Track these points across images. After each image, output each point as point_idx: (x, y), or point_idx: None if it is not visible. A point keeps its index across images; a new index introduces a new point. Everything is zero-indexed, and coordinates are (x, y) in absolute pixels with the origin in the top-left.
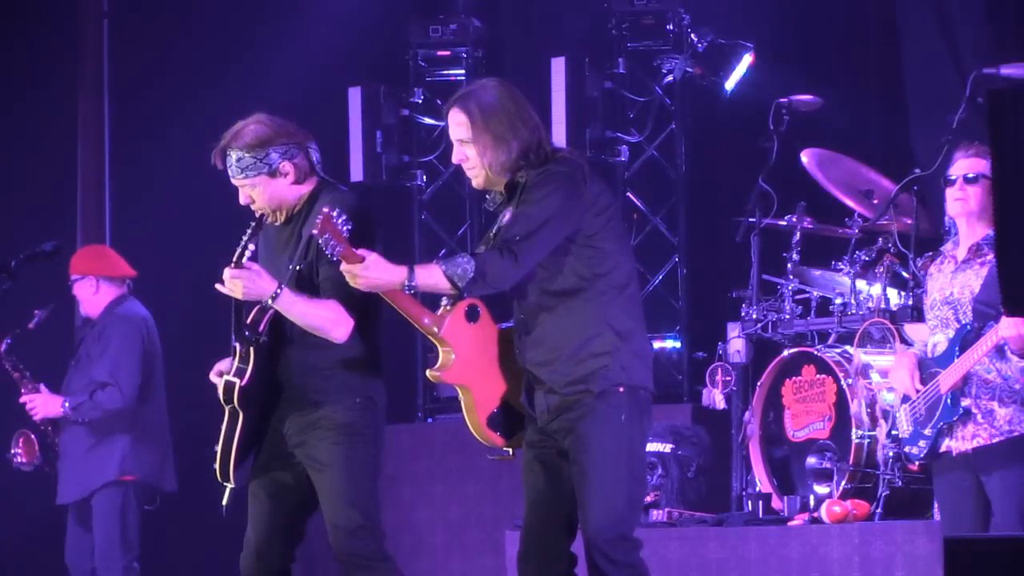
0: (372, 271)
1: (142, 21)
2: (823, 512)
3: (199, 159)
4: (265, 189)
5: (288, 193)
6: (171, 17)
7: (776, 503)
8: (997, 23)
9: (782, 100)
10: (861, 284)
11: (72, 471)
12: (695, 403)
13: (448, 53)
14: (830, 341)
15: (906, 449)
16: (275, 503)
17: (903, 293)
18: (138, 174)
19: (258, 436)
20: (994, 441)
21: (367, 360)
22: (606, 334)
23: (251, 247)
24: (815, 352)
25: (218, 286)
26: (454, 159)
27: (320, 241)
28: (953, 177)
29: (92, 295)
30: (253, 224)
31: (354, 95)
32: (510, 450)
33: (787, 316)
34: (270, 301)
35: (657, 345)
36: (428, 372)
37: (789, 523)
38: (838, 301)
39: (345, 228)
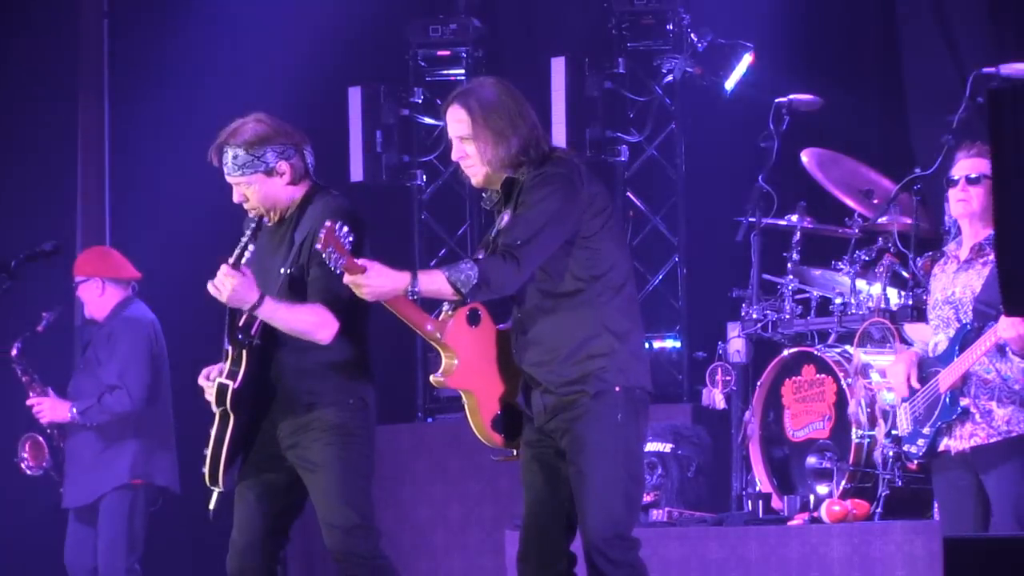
0: (375, 280)
1: (142, 21)
2: (823, 512)
3: (199, 159)
4: (260, 188)
5: (282, 193)
6: (171, 17)
7: (776, 503)
8: (997, 23)
9: (782, 100)
10: (861, 284)
11: (80, 476)
12: (695, 403)
13: (448, 53)
14: (830, 341)
15: (905, 448)
16: (262, 505)
17: (903, 293)
18: (138, 175)
19: (248, 440)
20: (992, 441)
21: (357, 361)
22: (603, 335)
23: (252, 247)
24: (815, 352)
25: (209, 284)
26: (454, 156)
27: (324, 255)
28: (956, 177)
29: (97, 297)
30: (254, 226)
31: (354, 95)
32: (514, 451)
33: (787, 316)
34: (252, 309)
35: (657, 345)
36: (432, 378)
37: (789, 523)
38: (838, 301)
39: (347, 240)
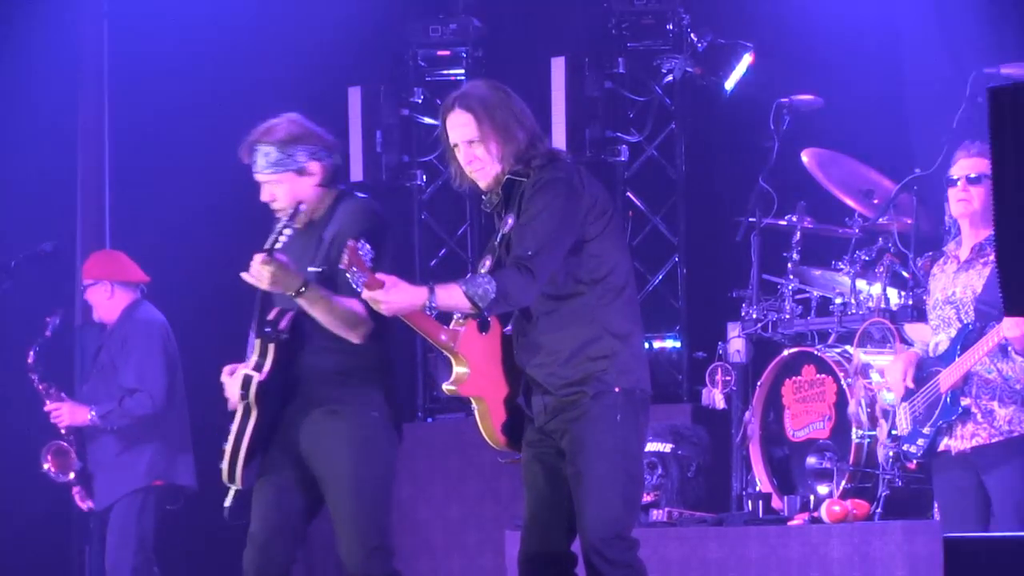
0: (393, 295)
1: (142, 21)
2: (823, 512)
3: (199, 159)
4: (290, 187)
5: (312, 194)
6: (171, 17)
7: (776, 503)
8: (997, 23)
9: (783, 100)
10: (861, 284)
11: (101, 480)
12: (695, 403)
13: (448, 53)
14: (830, 341)
15: (904, 447)
16: (282, 503)
17: (903, 293)
18: (138, 174)
19: (267, 437)
20: (993, 441)
21: (382, 366)
22: (604, 338)
23: (287, 232)
24: (815, 352)
25: (244, 275)
26: (464, 162)
27: (348, 275)
28: (955, 177)
29: (106, 300)
30: (290, 212)
31: (354, 95)
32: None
33: (787, 316)
34: (294, 296)
35: (657, 345)
36: (444, 386)
37: (789, 523)
38: (838, 301)
39: (368, 257)
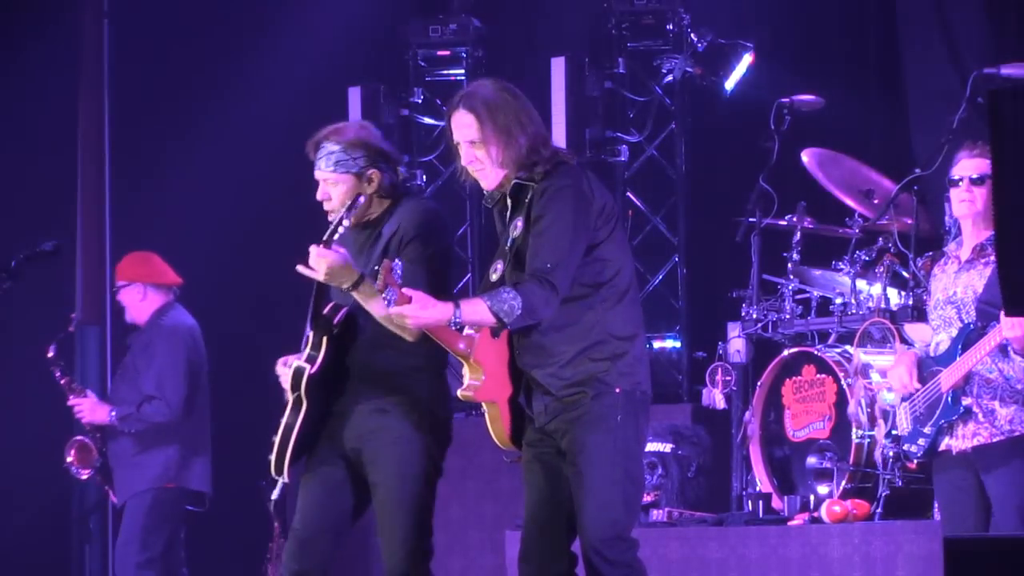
0: (420, 310)
1: (142, 21)
2: (823, 512)
3: (199, 159)
4: (346, 189)
5: (366, 202)
6: (171, 17)
7: (776, 503)
8: (997, 23)
9: (784, 100)
10: (861, 284)
11: (119, 475)
12: (695, 403)
13: (448, 53)
14: (830, 341)
15: (904, 447)
16: (327, 502)
17: (903, 293)
18: (138, 174)
19: (316, 431)
20: (995, 440)
21: (432, 366)
22: (606, 341)
23: (346, 223)
24: (815, 352)
25: (300, 267)
26: (464, 161)
27: (383, 296)
28: (957, 178)
29: (139, 301)
30: (349, 203)
31: (354, 95)
32: None
33: (787, 316)
34: (350, 288)
35: (657, 345)
36: (459, 392)
37: (789, 523)
38: (838, 301)
39: (398, 274)
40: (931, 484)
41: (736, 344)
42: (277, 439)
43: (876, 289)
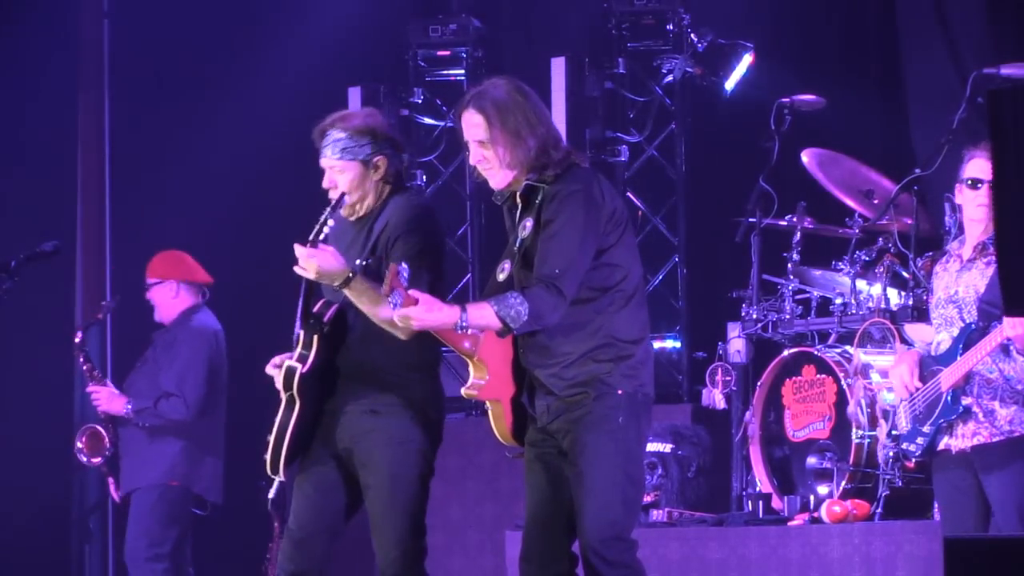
0: (426, 313)
1: (142, 21)
2: (823, 512)
3: (199, 158)
4: (353, 177)
5: (372, 188)
6: (171, 17)
7: (776, 503)
8: (997, 23)
9: (784, 100)
10: (861, 284)
11: (126, 465)
12: (695, 403)
13: (448, 53)
14: (830, 341)
15: (903, 445)
16: (321, 501)
17: (903, 293)
18: (138, 174)
19: (311, 430)
20: (994, 440)
21: (424, 364)
22: (610, 344)
23: (331, 223)
24: (815, 352)
25: (296, 268)
26: (472, 161)
27: (389, 299)
28: (974, 180)
29: (171, 299)
30: (333, 202)
31: (354, 95)
32: None
33: (787, 316)
34: (340, 286)
35: (657, 345)
36: (464, 391)
37: (789, 523)
38: (838, 301)
39: (404, 277)
40: (931, 484)
41: (736, 344)
42: (272, 439)
43: (876, 289)
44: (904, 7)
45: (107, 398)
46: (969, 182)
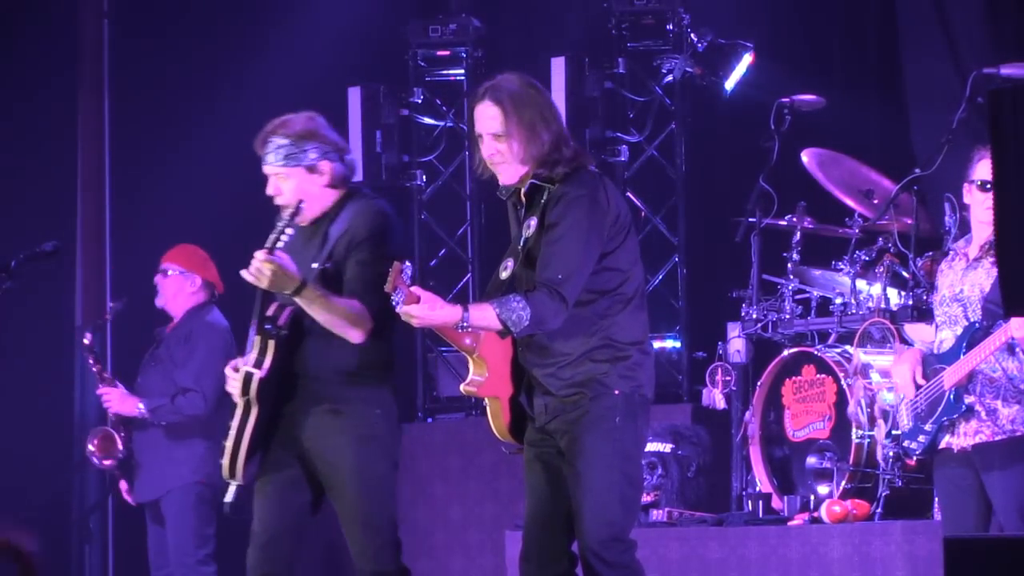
0: (429, 312)
1: (142, 21)
2: (823, 512)
3: (199, 159)
4: (298, 183)
5: (318, 194)
6: (171, 17)
7: (776, 503)
8: (997, 23)
9: (784, 100)
10: (861, 284)
11: (148, 472)
12: (695, 403)
13: (448, 53)
14: (830, 341)
15: (904, 443)
16: (284, 500)
17: (903, 293)
18: (138, 174)
19: (267, 433)
20: (996, 439)
21: (384, 366)
22: (607, 345)
23: (289, 231)
24: (815, 352)
25: (243, 273)
26: (485, 154)
27: (393, 298)
28: (980, 180)
29: (189, 292)
30: (292, 211)
31: (354, 95)
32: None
33: (787, 316)
34: (292, 294)
35: (657, 345)
36: (462, 387)
37: (789, 523)
38: (838, 301)
39: (408, 275)
40: (931, 484)
41: (736, 344)
42: (229, 444)
43: (876, 289)
44: (904, 7)
45: (119, 400)
46: (979, 183)
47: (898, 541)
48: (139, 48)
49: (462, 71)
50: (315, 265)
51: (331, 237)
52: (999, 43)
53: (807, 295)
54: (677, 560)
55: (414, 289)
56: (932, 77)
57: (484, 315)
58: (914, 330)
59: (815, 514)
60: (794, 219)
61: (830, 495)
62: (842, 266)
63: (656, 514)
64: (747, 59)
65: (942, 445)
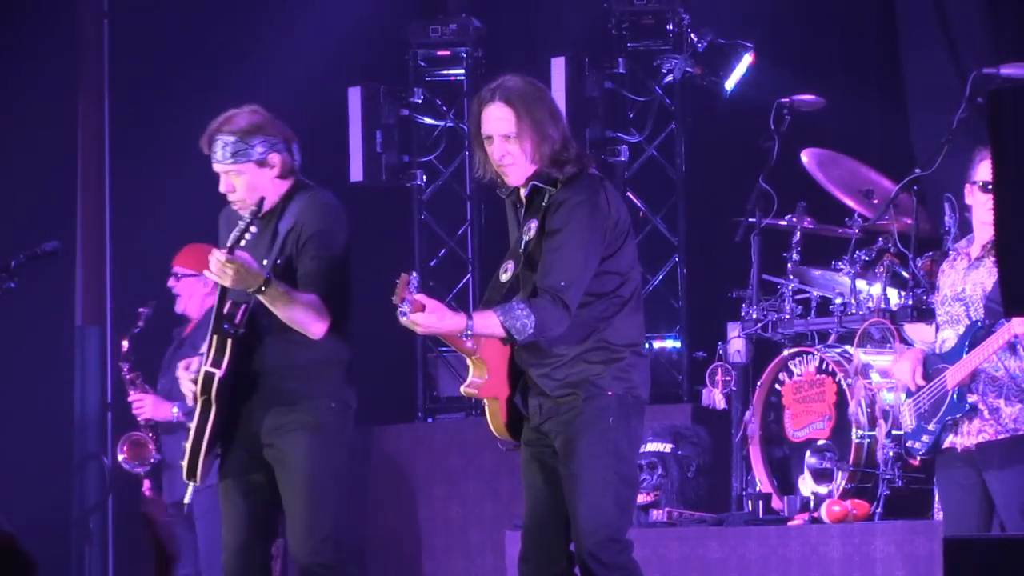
0: (433, 320)
1: (142, 21)
2: (823, 512)
3: (199, 159)
4: (249, 179)
5: (270, 187)
6: (171, 17)
7: (776, 503)
8: (997, 23)
9: (784, 100)
10: (861, 284)
11: (176, 473)
12: (695, 403)
13: (448, 53)
14: (830, 341)
15: (908, 443)
16: (249, 503)
17: (903, 293)
18: (138, 174)
19: (226, 433)
20: (999, 438)
21: (341, 360)
22: (602, 347)
23: (252, 230)
24: (815, 352)
25: (206, 272)
26: (495, 156)
27: (399, 308)
28: (984, 181)
29: (205, 295)
30: (253, 209)
31: (354, 95)
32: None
33: (787, 316)
34: (255, 291)
35: (657, 345)
36: (462, 388)
37: (789, 523)
38: (838, 301)
39: (414, 286)
40: (932, 484)
41: (736, 344)
42: (189, 445)
43: (876, 289)
44: (904, 7)
45: (153, 405)
46: (981, 184)
47: (898, 541)
48: (139, 48)
49: (462, 71)
50: (266, 261)
51: (280, 232)
52: (999, 43)
53: (807, 295)
54: (677, 560)
55: (419, 297)
56: (932, 77)
57: (488, 323)
58: (914, 330)
59: (815, 514)
60: (794, 219)
61: (830, 495)
62: (842, 266)
63: (656, 514)
64: (747, 59)
65: (946, 444)
